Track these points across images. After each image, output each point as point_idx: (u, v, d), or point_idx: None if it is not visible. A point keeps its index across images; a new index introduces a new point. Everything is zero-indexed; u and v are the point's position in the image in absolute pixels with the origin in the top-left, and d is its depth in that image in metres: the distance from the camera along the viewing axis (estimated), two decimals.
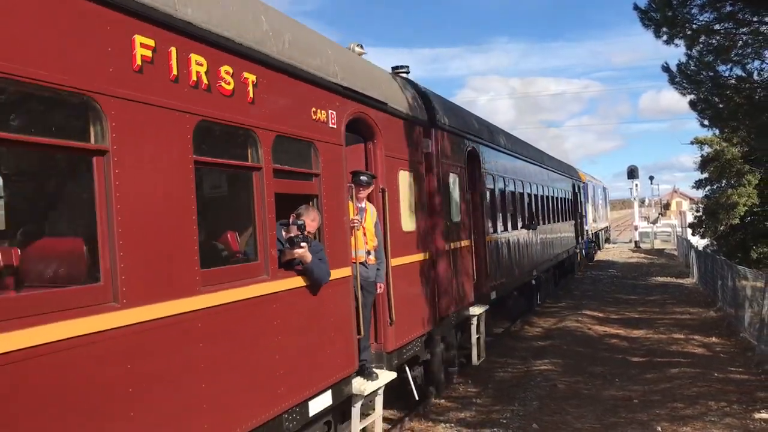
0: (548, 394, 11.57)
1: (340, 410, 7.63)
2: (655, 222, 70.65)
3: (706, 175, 34.13)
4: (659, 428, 9.57)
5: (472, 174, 13.44)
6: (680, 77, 15.01)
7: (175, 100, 5.03)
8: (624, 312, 20.68)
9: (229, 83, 5.68)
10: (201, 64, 5.35)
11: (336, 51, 8.02)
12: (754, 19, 13.72)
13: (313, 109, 7.07)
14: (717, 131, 24.31)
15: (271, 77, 6.30)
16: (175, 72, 5.06)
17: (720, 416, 10.03)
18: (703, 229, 34.28)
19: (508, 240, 16.45)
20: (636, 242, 52.98)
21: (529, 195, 19.59)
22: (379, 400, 8.31)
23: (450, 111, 12.39)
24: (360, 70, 8.59)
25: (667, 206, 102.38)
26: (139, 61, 4.71)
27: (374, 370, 8.14)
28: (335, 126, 7.48)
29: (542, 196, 21.80)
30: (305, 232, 6.36)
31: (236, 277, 5.70)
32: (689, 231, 38.75)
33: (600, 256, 44.03)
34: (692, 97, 15.57)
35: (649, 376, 12.72)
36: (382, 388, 8.26)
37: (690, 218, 41.82)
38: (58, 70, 4.08)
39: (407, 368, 9.73)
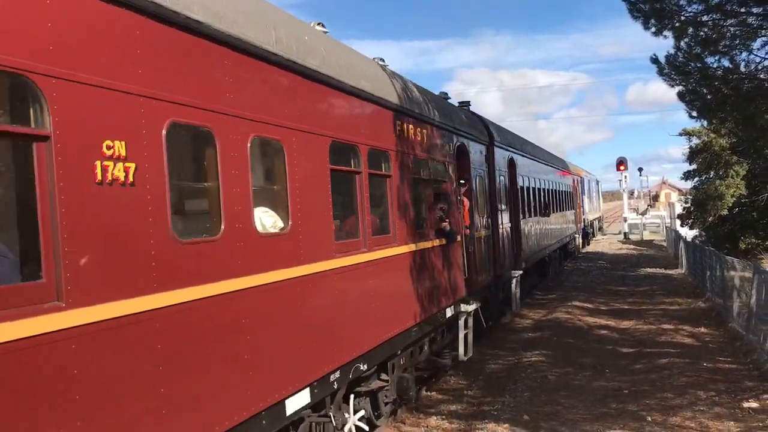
0: (539, 386, 11.62)
1: (455, 318, 12.52)
2: (644, 213, 70.95)
3: (694, 166, 34.29)
4: (649, 418, 9.63)
5: (511, 175, 18.47)
6: (669, 69, 15.03)
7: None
8: (613, 303, 20.79)
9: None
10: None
11: (452, 110, 13.92)
12: (742, 10, 13.75)
13: (448, 143, 12.69)
14: (705, 122, 24.43)
15: (433, 130, 11.71)
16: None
17: (709, 405, 10.11)
18: (691, 220, 34.46)
19: (532, 224, 21.36)
20: (625, 234, 53.15)
21: (543, 189, 24.39)
22: (470, 319, 12.97)
23: (499, 131, 17.72)
24: (461, 119, 14.03)
25: (656, 198, 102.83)
26: None
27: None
28: (453, 152, 12.89)
29: (551, 190, 26.61)
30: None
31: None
32: (678, 222, 38.95)
33: (589, 247, 44.24)
34: (681, 88, 15.60)
35: (639, 366, 12.79)
36: (473, 311, 13.01)
37: (679, 209, 42.02)
38: None
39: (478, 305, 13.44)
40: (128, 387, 4.57)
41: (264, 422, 6.04)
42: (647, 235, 52.83)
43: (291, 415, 6.47)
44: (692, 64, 14.72)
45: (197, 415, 5.24)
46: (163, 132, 5.00)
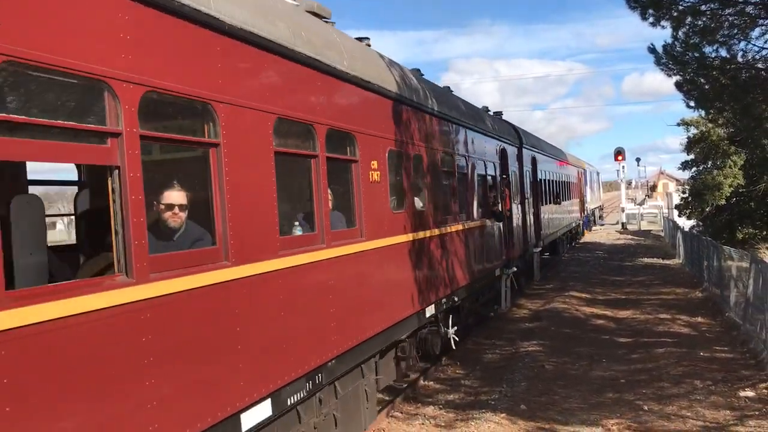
0: (536, 375, 11.65)
1: (499, 278, 16.72)
2: (641, 203, 70.97)
3: (692, 156, 34.25)
4: (645, 407, 9.67)
5: (534, 171, 22.42)
6: (666, 58, 15.00)
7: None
8: (611, 293, 20.83)
9: None
10: None
11: (496, 121, 17.99)
12: None
13: (495, 148, 16.59)
14: (703, 112, 24.40)
15: (489, 139, 15.93)
16: None
17: (705, 395, 10.15)
18: (689, 210, 34.45)
19: (548, 211, 25.43)
20: (623, 224, 53.19)
21: (556, 182, 28.92)
22: (508, 280, 17.33)
23: (525, 135, 21.65)
24: (502, 128, 18.17)
25: (653, 188, 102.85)
26: None
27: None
28: (498, 155, 16.76)
29: (562, 182, 31.40)
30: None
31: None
32: (676, 212, 38.96)
33: (587, 237, 44.29)
34: (678, 78, 15.59)
35: (636, 356, 12.83)
36: (512, 273, 17.31)
37: (676, 199, 42.00)
38: None
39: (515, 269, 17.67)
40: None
41: (417, 319, 10.04)
42: (645, 226, 52.89)
43: (429, 317, 10.56)
44: (690, 53, 14.69)
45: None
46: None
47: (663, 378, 11.18)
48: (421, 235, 10.16)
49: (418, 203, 10.31)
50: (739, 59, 14.58)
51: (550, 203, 25.87)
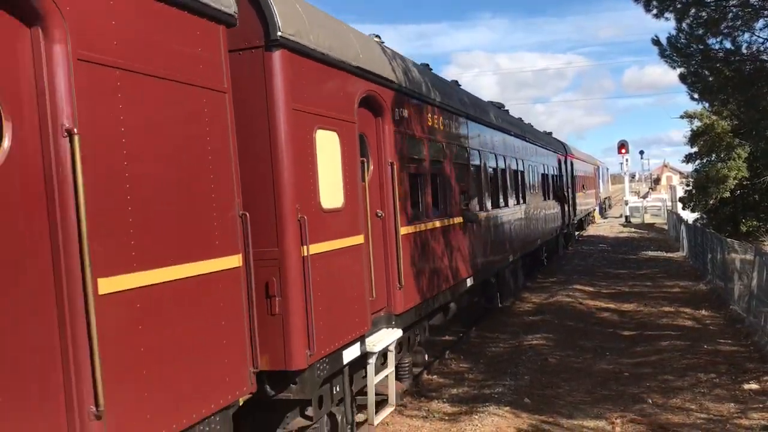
0: (540, 369, 11.65)
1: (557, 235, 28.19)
2: (645, 197, 70.81)
3: (696, 149, 34.15)
4: (650, 400, 9.67)
5: (571, 171, 32.50)
6: (670, 50, 14.94)
7: None
8: (614, 286, 20.81)
9: None
10: None
11: (555, 141, 30.07)
12: None
13: (557, 160, 27.90)
14: (707, 105, 24.28)
15: (559, 155, 29.76)
16: None
17: (710, 388, 10.14)
18: (693, 203, 34.37)
19: (579, 197, 36.11)
20: (626, 217, 53.10)
21: (582, 177, 39.49)
22: (561, 238, 30.11)
23: (567, 147, 32.97)
24: (558, 145, 29.72)
25: (657, 181, 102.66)
26: None
27: None
28: (557, 162, 27.93)
29: (585, 177, 42.09)
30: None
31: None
32: (679, 205, 38.89)
33: (590, 231, 44.25)
34: (682, 70, 15.52)
35: (640, 349, 12.83)
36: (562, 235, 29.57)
37: (680, 192, 41.94)
38: None
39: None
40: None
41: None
42: (648, 219, 52.79)
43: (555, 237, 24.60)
44: (694, 45, 14.62)
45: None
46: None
47: (667, 371, 11.17)
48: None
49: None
50: (744, 51, 14.51)
51: (579, 191, 37.31)
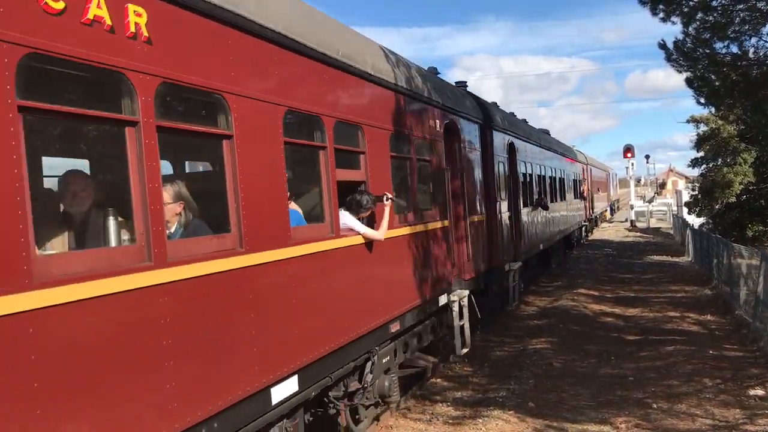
0: (544, 373, 11.62)
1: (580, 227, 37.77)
2: (651, 201, 70.69)
3: (702, 153, 34.08)
4: (655, 405, 9.62)
5: (589, 175, 41.09)
6: (677, 54, 14.92)
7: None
8: (619, 290, 20.75)
9: None
10: None
11: (578, 153, 38.92)
12: None
13: (580, 166, 36.84)
14: (713, 109, 24.26)
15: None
16: None
17: (715, 393, 10.10)
18: (699, 208, 34.31)
19: (596, 198, 45.03)
20: (632, 221, 53.00)
21: (598, 181, 48.27)
22: (583, 232, 40.17)
23: (586, 155, 42.44)
24: (580, 155, 38.76)
25: (663, 185, 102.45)
26: None
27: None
28: (580, 169, 36.91)
29: (599, 181, 50.23)
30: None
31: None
32: (685, 210, 38.81)
33: (595, 235, 44.18)
34: (689, 74, 15.50)
35: (644, 353, 12.78)
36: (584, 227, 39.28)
37: (686, 197, 41.85)
38: None
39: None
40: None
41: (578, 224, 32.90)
42: (654, 223, 52.72)
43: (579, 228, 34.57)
44: (700, 49, 14.61)
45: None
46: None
47: (672, 376, 11.12)
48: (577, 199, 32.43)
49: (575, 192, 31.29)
50: (751, 55, 14.49)
51: (595, 194, 44.89)
